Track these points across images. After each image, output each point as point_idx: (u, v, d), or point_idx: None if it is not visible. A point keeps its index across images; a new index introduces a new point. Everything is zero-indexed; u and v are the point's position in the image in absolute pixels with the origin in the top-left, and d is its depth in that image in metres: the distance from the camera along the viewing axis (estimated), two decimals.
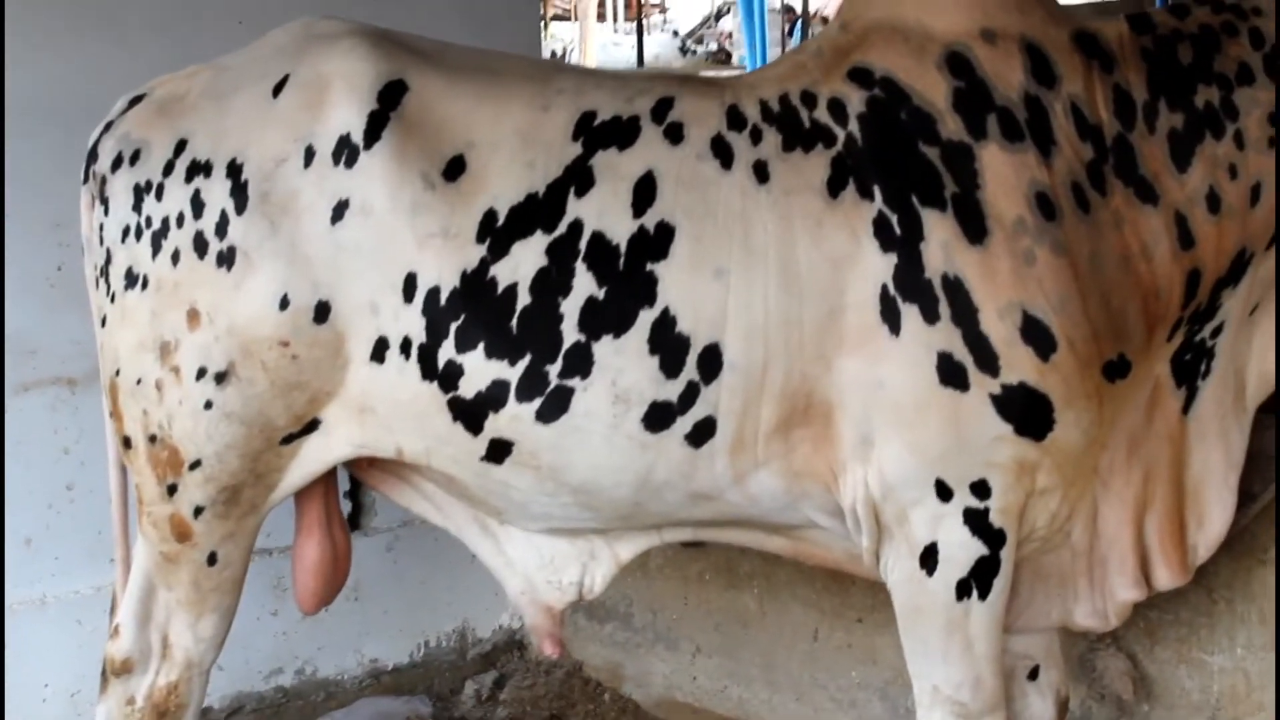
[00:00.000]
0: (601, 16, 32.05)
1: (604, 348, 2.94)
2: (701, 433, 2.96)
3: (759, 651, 4.20)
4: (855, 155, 2.96)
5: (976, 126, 2.94)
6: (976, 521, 2.97)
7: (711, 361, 2.93)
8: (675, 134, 3.03)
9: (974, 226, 2.88)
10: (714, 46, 29.33)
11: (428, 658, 4.97)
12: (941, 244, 2.88)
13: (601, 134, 3.03)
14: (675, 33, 30.39)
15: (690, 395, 2.94)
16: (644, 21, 28.80)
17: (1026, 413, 2.89)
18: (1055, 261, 2.87)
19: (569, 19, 32.15)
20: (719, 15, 31.79)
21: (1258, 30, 3.03)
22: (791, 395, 2.95)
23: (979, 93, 2.96)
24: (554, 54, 28.37)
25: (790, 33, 25.28)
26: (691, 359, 2.93)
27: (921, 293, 2.87)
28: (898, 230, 2.89)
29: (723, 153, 3.00)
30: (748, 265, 2.93)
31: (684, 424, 2.96)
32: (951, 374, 2.87)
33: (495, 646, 5.01)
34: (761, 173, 2.97)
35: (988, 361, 2.86)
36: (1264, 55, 3.01)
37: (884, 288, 2.89)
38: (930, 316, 2.87)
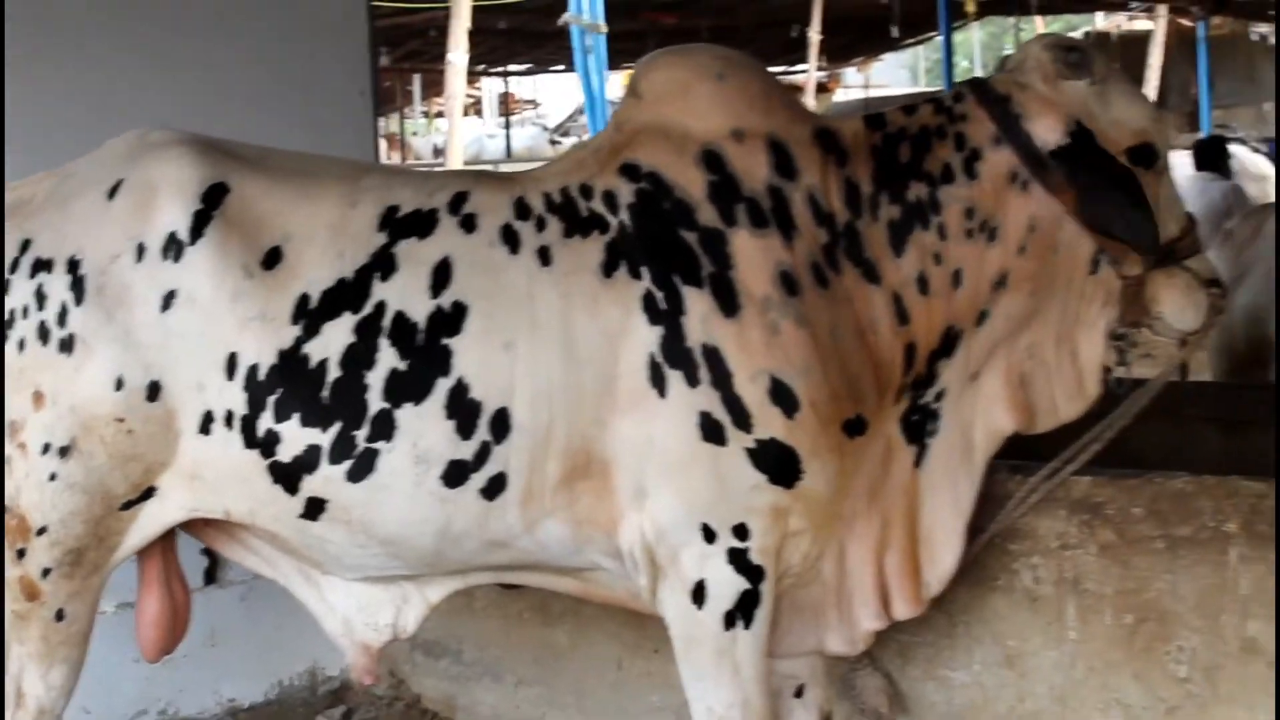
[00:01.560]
0: (479, 113, 32.11)
1: (405, 414, 3.05)
2: (494, 487, 3.09)
3: (572, 681, 4.34)
4: (626, 240, 3.12)
5: (728, 214, 3.13)
6: (739, 560, 3.12)
7: (502, 423, 3.06)
8: (469, 224, 3.18)
9: (728, 302, 3.06)
10: (582, 137, 29.53)
11: (281, 695, 5.06)
12: (700, 317, 3.05)
13: (403, 225, 3.17)
14: (545, 127, 30.60)
15: (483, 454, 3.07)
16: (511, 116, 28.97)
17: (778, 464, 3.07)
18: (798, 332, 3.06)
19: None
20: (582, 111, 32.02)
21: (961, 135, 3.27)
22: (574, 452, 3.09)
23: (730, 185, 3.16)
24: (435, 147, 28.42)
25: None
26: (484, 422, 3.06)
27: (684, 360, 3.04)
28: (663, 305, 3.06)
29: (511, 240, 3.15)
30: (533, 338, 3.07)
31: (478, 479, 3.09)
32: (711, 431, 3.03)
33: (343, 684, 5.11)
34: (545, 256, 3.12)
35: (742, 420, 3.03)
36: (964, 157, 3.24)
37: (651, 356, 3.05)
38: (692, 381, 3.03)
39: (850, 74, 29.95)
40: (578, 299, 3.08)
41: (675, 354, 3.03)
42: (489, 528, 3.13)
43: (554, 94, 33.01)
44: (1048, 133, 3.18)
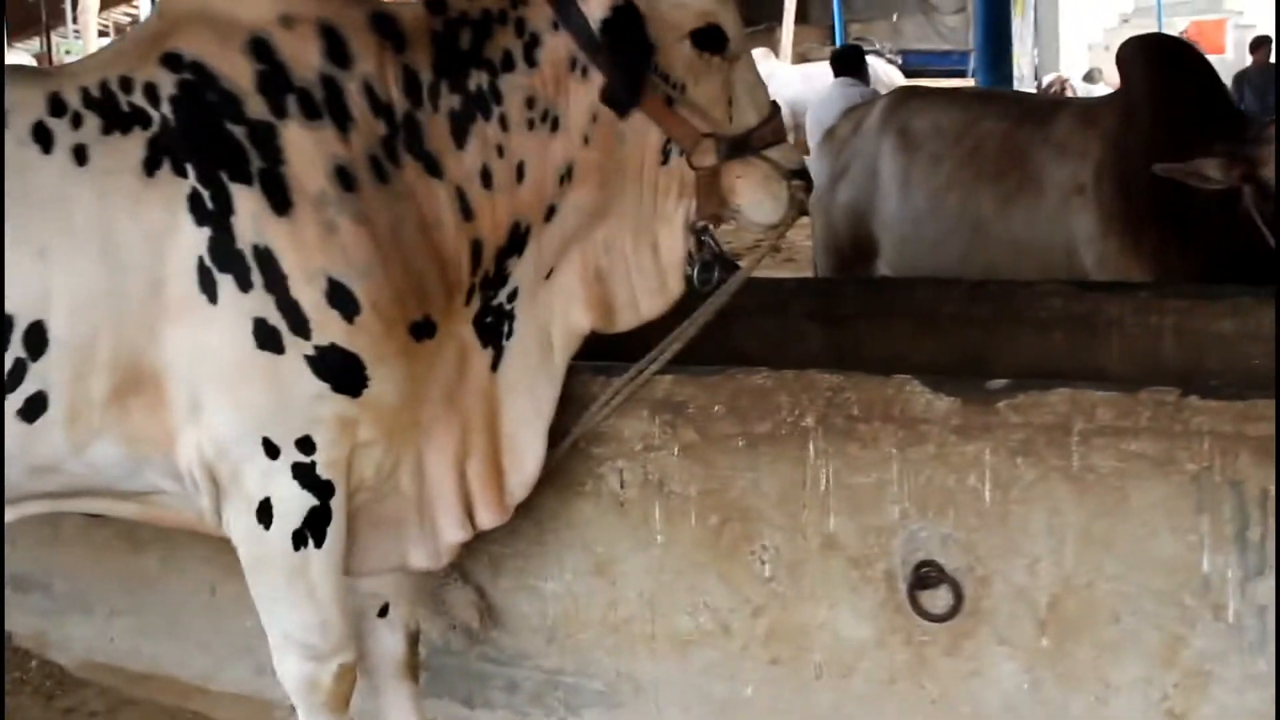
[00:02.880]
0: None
1: None
2: (34, 407, 2.84)
3: (164, 608, 4.06)
4: (169, 136, 2.89)
5: (278, 106, 2.92)
6: (305, 475, 2.94)
7: (38, 338, 2.80)
8: None
9: (280, 199, 2.86)
10: None
11: None
12: (251, 216, 2.85)
13: None
14: None
15: (18, 372, 2.81)
16: None
17: (340, 372, 2.89)
18: (356, 230, 2.88)
19: None
20: None
21: (521, 20, 3.10)
22: (122, 366, 2.86)
23: (279, 75, 2.94)
24: None
25: None
26: (17, 336, 2.80)
27: (235, 263, 2.84)
28: (210, 205, 2.85)
29: (43, 138, 2.87)
30: (70, 244, 2.82)
31: (15, 400, 2.82)
32: (267, 338, 2.84)
33: None
34: (81, 155, 2.87)
35: (300, 325, 2.85)
36: (524, 44, 3.07)
37: (200, 259, 2.84)
38: (244, 285, 2.83)
39: None
40: (117, 200, 2.83)
41: (225, 256, 2.82)
42: (33, 451, 2.87)
43: None
44: (597, 12, 3.03)
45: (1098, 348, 4.07)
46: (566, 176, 3.08)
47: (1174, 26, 21.37)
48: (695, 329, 3.20)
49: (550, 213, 3.10)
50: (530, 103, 3.05)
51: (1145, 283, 4.57)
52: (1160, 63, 5.21)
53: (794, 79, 17.16)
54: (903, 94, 6.35)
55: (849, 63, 10.14)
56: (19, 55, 21.12)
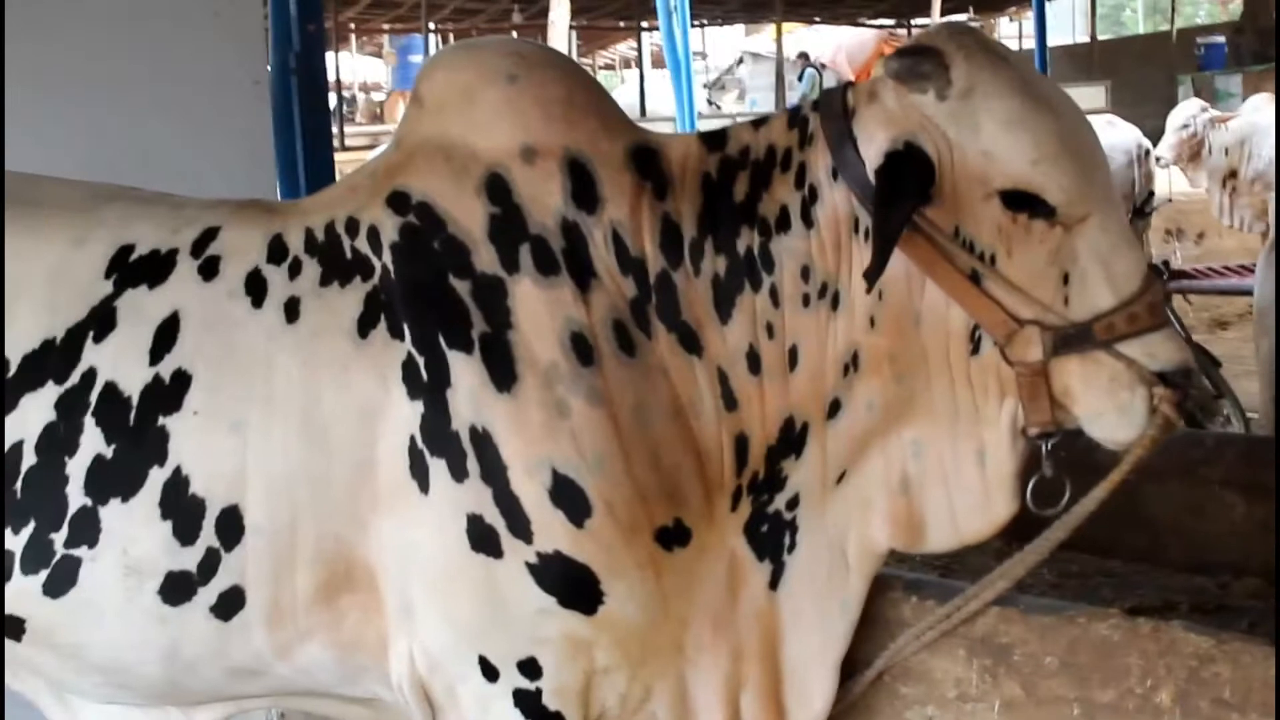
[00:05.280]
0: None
1: (112, 512, 2.39)
2: (229, 604, 2.41)
3: None
4: (388, 290, 2.40)
5: (510, 258, 2.38)
6: (529, 703, 2.41)
7: (232, 525, 2.37)
8: (210, 268, 2.47)
9: (503, 371, 2.33)
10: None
11: None
12: (469, 392, 2.33)
13: (134, 270, 2.49)
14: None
15: (211, 563, 2.38)
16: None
17: (568, 584, 2.34)
18: (592, 413, 2.31)
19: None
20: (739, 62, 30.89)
21: (803, 167, 2.41)
22: (329, 559, 2.40)
23: (514, 219, 2.40)
24: None
25: (801, 78, 23.94)
26: (209, 523, 2.37)
27: (449, 446, 2.32)
28: (425, 375, 2.34)
29: (256, 289, 2.45)
30: (268, 416, 2.37)
31: (207, 595, 2.40)
32: (483, 539, 2.33)
33: None
34: (292, 311, 2.41)
35: (520, 526, 2.32)
36: (802, 198, 2.40)
37: (412, 439, 2.33)
38: (458, 473, 2.32)
39: (1004, 24, 28.22)
40: (324, 367, 2.36)
41: (438, 438, 2.31)
42: (229, 654, 2.44)
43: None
44: (875, 157, 2.33)
45: None
46: (852, 365, 2.40)
47: None
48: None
49: (835, 408, 2.43)
50: (806, 273, 2.38)
51: None
52: None
53: None
54: None
55: None
56: None
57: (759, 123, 2.52)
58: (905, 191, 2.25)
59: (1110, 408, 2.33)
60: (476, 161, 2.43)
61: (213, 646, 2.43)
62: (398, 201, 2.44)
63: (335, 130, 18.14)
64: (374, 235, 2.43)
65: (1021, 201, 2.29)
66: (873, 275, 2.25)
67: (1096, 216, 2.31)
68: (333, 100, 20.81)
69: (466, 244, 2.38)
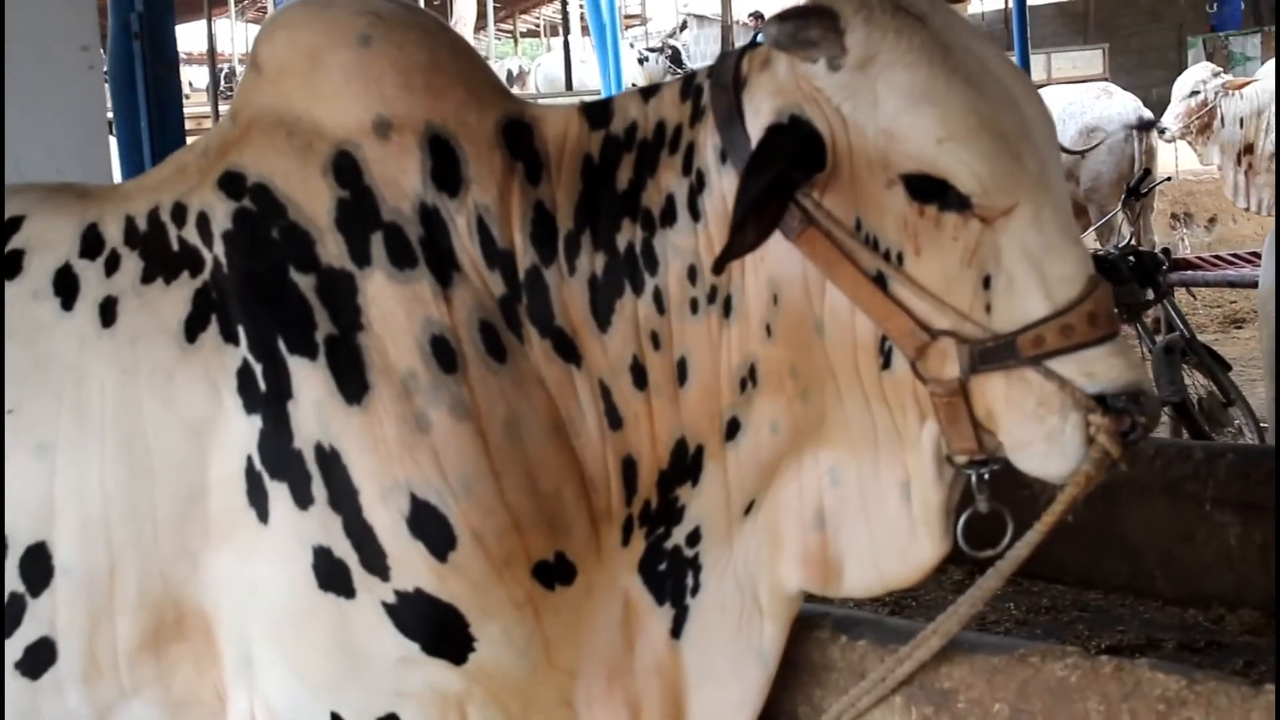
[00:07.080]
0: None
1: None
2: (37, 659, 2.38)
3: None
4: (220, 287, 2.38)
5: (360, 249, 2.35)
6: None
7: (38, 565, 2.34)
8: (14, 265, 2.44)
9: (353, 380, 2.31)
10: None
11: None
12: (314, 404, 2.31)
13: None
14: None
15: (15, 612, 2.36)
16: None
17: (431, 627, 2.32)
18: (456, 427, 2.29)
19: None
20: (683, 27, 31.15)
21: (691, 148, 2.38)
22: (155, 603, 2.38)
23: (365, 204, 2.37)
24: (509, 73, 27.87)
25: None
26: (11, 564, 2.34)
27: (291, 468, 2.30)
28: (263, 385, 2.32)
29: (66, 288, 2.41)
30: (80, 436, 2.35)
31: (11, 649, 2.36)
32: (332, 575, 2.30)
33: None
34: (109, 313, 2.39)
35: (374, 560, 2.29)
36: (690, 185, 2.36)
37: (249, 460, 2.32)
38: (303, 499, 2.30)
39: None
40: (146, 376, 2.34)
41: (279, 458, 2.30)
42: (42, 717, 2.40)
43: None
44: (755, 131, 2.28)
45: None
46: (750, 380, 2.36)
47: None
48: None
49: (734, 429, 2.40)
50: (693, 274, 2.35)
51: None
52: None
53: None
54: None
55: None
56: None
57: (650, 91, 2.49)
58: (776, 161, 2.19)
59: (1038, 436, 2.22)
60: (322, 137, 2.41)
61: (20, 709, 2.39)
62: (231, 183, 2.42)
63: (209, 110, 18.02)
64: (204, 223, 2.41)
65: (928, 189, 2.21)
66: (721, 260, 2.20)
67: (1026, 208, 2.22)
68: (206, 74, 20.68)
69: (310, 233, 2.36)
